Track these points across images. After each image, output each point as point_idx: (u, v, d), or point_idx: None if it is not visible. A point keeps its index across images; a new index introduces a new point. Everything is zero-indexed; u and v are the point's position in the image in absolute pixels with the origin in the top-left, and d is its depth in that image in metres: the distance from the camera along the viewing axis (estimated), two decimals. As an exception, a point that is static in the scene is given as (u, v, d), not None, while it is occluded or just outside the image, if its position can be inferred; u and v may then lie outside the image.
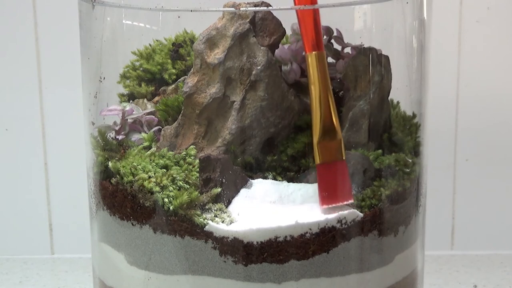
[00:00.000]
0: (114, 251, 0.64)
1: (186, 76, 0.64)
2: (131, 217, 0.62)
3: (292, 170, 0.62)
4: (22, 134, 1.05)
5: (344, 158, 0.59)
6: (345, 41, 0.67)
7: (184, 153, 0.62)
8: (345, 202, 0.59)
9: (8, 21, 1.01)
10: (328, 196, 0.59)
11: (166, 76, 0.71)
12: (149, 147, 0.65)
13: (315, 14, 0.59)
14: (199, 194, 0.60)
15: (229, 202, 0.60)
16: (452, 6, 1.00)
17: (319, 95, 0.59)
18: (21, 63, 1.02)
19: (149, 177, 0.60)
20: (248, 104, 0.62)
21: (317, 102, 0.59)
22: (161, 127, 0.66)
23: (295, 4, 0.60)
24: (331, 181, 0.59)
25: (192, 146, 0.63)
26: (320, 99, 0.59)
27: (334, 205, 0.59)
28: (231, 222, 0.59)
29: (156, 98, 0.70)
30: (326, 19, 0.66)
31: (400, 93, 0.66)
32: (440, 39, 0.99)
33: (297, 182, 0.62)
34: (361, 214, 0.60)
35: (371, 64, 0.63)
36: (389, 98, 0.66)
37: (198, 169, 0.61)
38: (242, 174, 0.61)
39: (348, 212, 0.59)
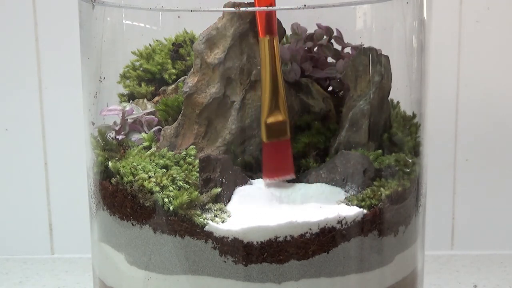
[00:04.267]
0: (114, 251, 0.64)
1: (186, 76, 0.64)
2: (131, 217, 0.62)
3: (292, 170, 0.62)
4: (22, 134, 1.04)
5: (289, 136, 0.61)
6: (345, 41, 0.67)
7: (184, 153, 0.62)
8: (286, 177, 0.61)
9: (8, 21, 1.01)
10: (270, 171, 0.61)
11: (166, 76, 0.71)
12: (149, 147, 0.65)
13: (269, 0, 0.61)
14: (199, 194, 0.60)
15: (229, 202, 0.60)
16: (452, 6, 1.00)
17: (268, 78, 0.60)
18: (21, 63, 1.02)
19: (149, 177, 0.60)
20: (248, 104, 0.62)
21: (266, 84, 0.61)
22: (161, 127, 0.66)
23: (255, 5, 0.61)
24: (274, 157, 0.61)
25: (192, 146, 0.63)
26: (270, 81, 0.61)
27: (276, 178, 0.61)
28: (231, 222, 0.59)
29: (156, 98, 0.70)
30: (326, 19, 0.66)
31: (400, 93, 0.66)
32: (440, 39, 0.99)
33: (297, 182, 0.62)
34: (362, 211, 0.60)
35: (371, 64, 0.63)
36: (389, 98, 0.66)
37: (198, 169, 0.61)
38: (242, 174, 0.61)
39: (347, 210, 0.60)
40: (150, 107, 0.69)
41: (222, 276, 0.59)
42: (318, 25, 0.66)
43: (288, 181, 0.62)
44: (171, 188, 0.60)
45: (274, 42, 0.60)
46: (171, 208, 0.59)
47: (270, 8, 0.60)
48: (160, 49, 0.72)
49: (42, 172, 1.05)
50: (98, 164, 0.64)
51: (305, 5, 0.58)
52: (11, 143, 1.05)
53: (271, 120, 0.61)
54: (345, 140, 0.63)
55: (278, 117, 0.61)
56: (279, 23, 0.63)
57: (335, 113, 0.65)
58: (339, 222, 0.59)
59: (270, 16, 0.60)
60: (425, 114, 0.68)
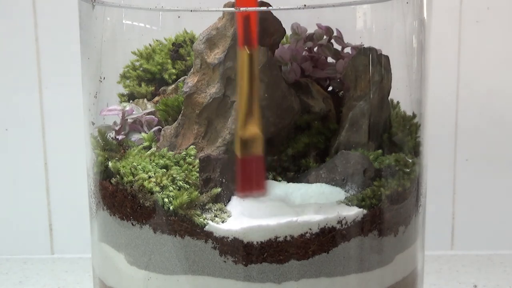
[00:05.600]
0: (114, 251, 0.64)
1: (186, 76, 0.64)
2: (131, 217, 0.62)
3: (292, 170, 0.62)
4: (22, 134, 1.05)
5: (262, 153, 0.61)
6: (345, 41, 0.67)
7: (184, 153, 0.62)
8: (258, 193, 0.61)
9: (8, 21, 1.01)
10: (242, 186, 0.60)
11: (166, 76, 0.71)
12: (149, 147, 0.65)
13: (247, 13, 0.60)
14: (199, 194, 0.60)
15: (229, 202, 0.60)
16: (452, 6, 1.00)
17: (245, 92, 0.60)
18: (21, 63, 1.02)
19: (149, 177, 0.60)
20: (248, 104, 0.62)
21: (242, 98, 0.60)
22: (161, 127, 0.66)
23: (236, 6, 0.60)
24: (248, 173, 0.61)
25: (192, 146, 0.63)
26: (246, 96, 0.60)
27: (248, 193, 0.60)
28: (231, 222, 0.59)
29: (156, 98, 0.70)
30: (326, 19, 0.66)
31: (400, 93, 0.66)
32: (440, 39, 0.99)
33: (297, 182, 0.62)
34: (362, 211, 0.60)
35: (371, 64, 0.63)
36: (389, 98, 0.66)
37: (198, 169, 0.61)
38: (242, 174, 0.61)
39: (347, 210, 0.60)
40: (150, 107, 0.69)
41: (222, 276, 0.59)
42: (318, 25, 0.66)
43: (288, 181, 0.62)
44: (171, 188, 0.60)
45: (253, 55, 0.59)
46: (171, 208, 0.59)
47: (270, 8, 0.60)
48: (160, 49, 0.72)
49: (42, 172, 1.05)
50: (98, 164, 0.64)
51: (305, 5, 0.58)
52: (11, 143, 1.05)
53: (245, 135, 0.60)
54: (345, 140, 0.63)
55: (253, 132, 0.60)
56: (279, 23, 0.63)
57: (335, 113, 0.65)
58: (339, 222, 0.59)
59: (247, 25, 0.59)
60: (425, 114, 0.68)
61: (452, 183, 1.05)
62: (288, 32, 0.66)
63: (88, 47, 0.67)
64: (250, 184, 0.60)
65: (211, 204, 0.60)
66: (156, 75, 0.71)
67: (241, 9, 0.60)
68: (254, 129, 0.60)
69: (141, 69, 0.72)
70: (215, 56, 0.62)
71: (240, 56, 0.59)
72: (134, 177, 0.61)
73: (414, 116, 0.67)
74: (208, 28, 0.62)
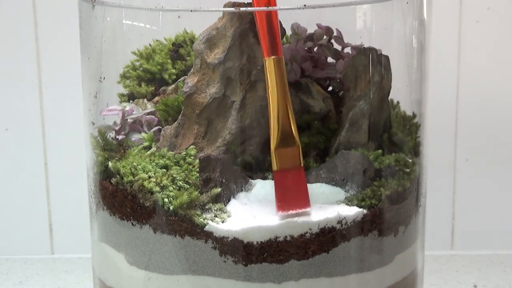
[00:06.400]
0: (114, 251, 0.64)
1: (186, 76, 0.64)
2: (131, 217, 0.62)
3: (292, 170, 0.62)
4: (22, 134, 1.05)
5: (301, 165, 0.58)
6: (345, 41, 0.67)
7: (184, 153, 0.62)
8: (301, 210, 0.58)
9: (8, 21, 1.01)
10: (284, 203, 0.58)
11: (166, 76, 0.71)
12: (149, 147, 0.65)
13: (270, 17, 0.58)
14: (199, 194, 0.60)
15: (229, 202, 0.60)
16: (452, 6, 1.00)
17: (277, 102, 0.58)
18: (21, 63, 1.02)
19: (149, 177, 0.61)
20: (248, 104, 0.62)
21: (275, 108, 0.58)
22: (161, 127, 0.66)
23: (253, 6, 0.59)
24: (287, 188, 0.58)
25: (192, 146, 0.63)
26: (278, 105, 0.58)
27: (290, 211, 0.58)
28: (231, 222, 0.59)
29: (156, 98, 0.70)
30: (326, 19, 0.66)
31: (400, 93, 0.66)
32: (440, 39, 0.99)
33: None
34: (362, 211, 0.60)
35: (371, 64, 0.63)
36: (389, 98, 0.66)
37: (198, 169, 0.61)
38: (242, 174, 0.61)
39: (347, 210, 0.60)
40: (150, 107, 0.69)
41: (222, 276, 0.59)
42: (318, 25, 0.66)
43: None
44: (171, 188, 0.60)
45: (280, 62, 0.57)
46: (171, 208, 0.59)
47: (270, 8, 0.60)
48: (160, 49, 0.72)
49: (42, 172, 1.05)
50: (98, 164, 0.64)
51: (305, 5, 0.58)
52: (11, 143, 1.05)
53: (282, 147, 0.58)
54: (345, 140, 0.63)
55: (291, 143, 0.58)
56: (279, 23, 0.63)
57: (335, 113, 0.65)
58: (339, 222, 0.59)
59: (273, 34, 0.58)
60: (425, 114, 0.68)
61: (452, 183, 1.05)
62: (288, 32, 0.66)
63: (88, 47, 0.67)
64: (292, 200, 0.58)
65: (211, 204, 0.60)
66: (156, 75, 0.71)
67: (241, 9, 0.60)
68: (291, 140, 0.58)
69: (141, 69, 0.72)
70: (215, 56, 0.62)
71: (267, 65, 0.58)
72: (134, 177, 0.61)
73: (414, 116, 0.67)
74: (208, 28, 0.62)
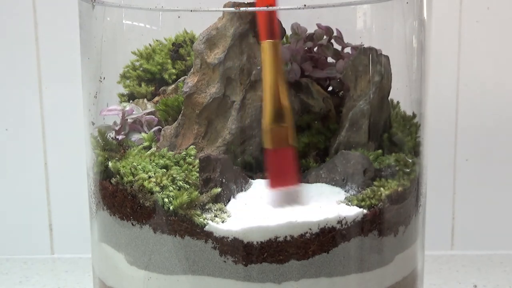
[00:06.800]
0: (114, 251, 0.64)
1: (186, 76, 0.64)
2: (131, 217, 0.62)
3: (292, 170, 0.62)
4: (22, 134, 1.05)
5: (292, 144, 0.60)
6: (345, 41, 0.67)
7: (184, 153, 0.62)
8: (292, 186, 0.60)
9: (8, 21, 1.01)
10: (276, 180, 0.60)
11: (166, 76, 0.71)
12: (149, 147, 0.65)
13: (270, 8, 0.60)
14: (199, 194, 0.60)
15: (229, 202, 0.60)
16: (452, 6, 1.00)
17: (269, 82, 0.59)
18: (21, 62, 1.02)
19: (149, 177, 0.60)
20: (248, 104, 0.62)
21: (267, 88, 0.59)
22: (161, 127, 0.66)
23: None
24: (279, 166, 0.60)
25: (192, 146, 0.63)
26: (270, 85, 0.59)
27: (281, 188, 0.60)
28: (231, 222, 0.59)
29: (156, 98, 0.70)
30: (326, 19, 0.66)
31: (400, 93, 0.66)
32: (440, 39, 0.99)
33: (297, 182, 0.62)
34: (362, 211, 0.60)
35: (371, 64, 0.63)
36: (389, 98, 0.66)
37: (198, 169, 0.61)
38: (242, 174, 0.61)
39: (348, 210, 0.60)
40: (150, 107, 0.69)
41: (222, 276, 0.59)
42: (318, 25, 0.66)
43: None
44: (171, 188, 0.60)
45: (275, 45, 0.59)
46: (171, 208, 0.59)
47: (270, 8, 0.60)
48: (160, 49, 0.72)
49: (42, 172, 1.05)
50: (98, 164, 0.64)
51: (305, 5, 0.58)
52: (11, 143, 1.05)
53: (274, 126, 0.59)
54: (345, 140, 0.63)
55: (282, 123, 0.59)
56: (279, 23, 0.63)
57: (335, 113, 0.65)
58: (339, 222, 0.59)
59: (271, 19, 0.59)
60: (425, 114, 0.68)
61: (452, 183, 1.05)
62: (288, 32, 0.66)
63: (88, 47, 0.67)
64: (281, 177, 0.60)
65: (211, 204, 0.60)
66: (156, 75, 0.71)
67: (241, 9, 0.60)
68: (282, 119, 0.59)
69: (141, 69, 0.72)
70: (215, 56, 0.62)
71: (263, 48, 0.59)
72: (134, 177, 0.61)
73: (414, 116, 0.67)
74: (208, 28, 0.62)
